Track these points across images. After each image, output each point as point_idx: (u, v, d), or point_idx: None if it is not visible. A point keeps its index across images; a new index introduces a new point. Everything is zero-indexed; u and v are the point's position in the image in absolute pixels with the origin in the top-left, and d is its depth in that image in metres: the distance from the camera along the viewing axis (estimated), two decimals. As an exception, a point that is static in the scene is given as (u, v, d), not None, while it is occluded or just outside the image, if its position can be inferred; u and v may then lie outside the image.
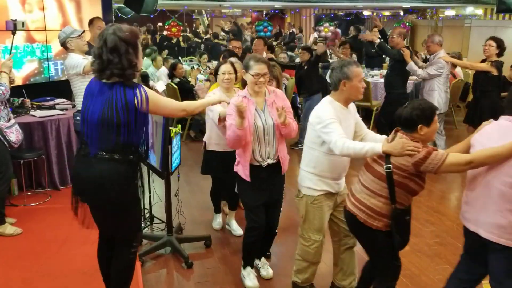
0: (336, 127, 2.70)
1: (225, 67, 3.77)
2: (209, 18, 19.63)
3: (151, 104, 2.46)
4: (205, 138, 3.96)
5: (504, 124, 2.38)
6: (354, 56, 8.29)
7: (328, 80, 6.08)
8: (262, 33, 12.92)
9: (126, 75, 2.41)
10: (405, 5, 13.11)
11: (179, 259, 3.72)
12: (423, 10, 15.45)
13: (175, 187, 3.92)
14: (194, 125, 7.47)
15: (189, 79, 8.12)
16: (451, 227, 4.37)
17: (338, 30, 15.19)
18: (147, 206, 4.26)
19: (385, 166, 2.44)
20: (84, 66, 4.17)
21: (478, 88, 5.81)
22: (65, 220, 3.48)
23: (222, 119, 3.47)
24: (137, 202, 2.65)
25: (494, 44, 5.52)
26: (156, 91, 4.57)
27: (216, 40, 13.57)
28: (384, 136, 2.88)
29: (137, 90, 2.42)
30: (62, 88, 5.64)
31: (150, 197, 4.29)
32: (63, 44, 4.39)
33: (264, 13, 19.55)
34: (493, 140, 2.34)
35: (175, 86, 7.34)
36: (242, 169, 3.16)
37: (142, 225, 4.15)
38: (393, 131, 2.61)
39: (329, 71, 3.82)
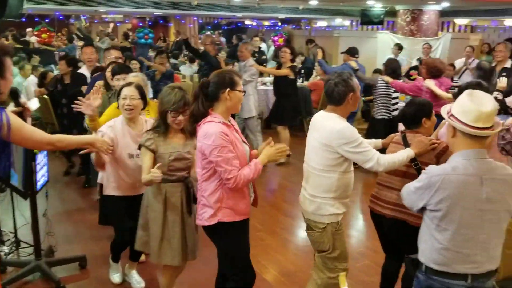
0: (367, 144, 2.63)
1: (128, 91, 3.05)
2: (87, 24, 18.62)
3: (14, 133, 2.11)
4: (99, 179, 3.29)
5: None
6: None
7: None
8: (143, 40, 12.63)
9: None
10: (281, 16, 13.80)
11: (50, 284, 3.45)
12: (298, 21, 16.41)
13: (45, 206, 3.64)
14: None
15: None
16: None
17: (223, 39, 15.47)
18: (11, 229, 3.90)
19: (413, 164, 2.65)
20: None
21: (279, 91, 6.61)
22: None
23: (99, 164, 3.07)
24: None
25: (288, 51, 6.42)
26: (27, 110, 4.03)
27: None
28: (373, 140, 3.01)
29: None
30: None
31: (14, 219, 3.91)
32: None
33: (147, 19, 19.15)
34: None
35: (46, 98, 6.80)
36: (234, 213, 2.57)
37: (6, 250, 3.80)
38: (400, 133, 2.87)
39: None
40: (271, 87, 7.57)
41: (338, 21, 15.28)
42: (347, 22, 15.38)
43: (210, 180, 2.52)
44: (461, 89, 3.12)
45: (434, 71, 5.09)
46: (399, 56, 9.59)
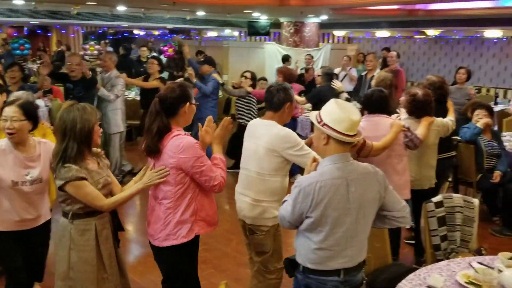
0: (307, 147, 2.74)
1: (9, 111, 2.65)
2: None
3: None
4: None
5: (375, 120, 3.43)
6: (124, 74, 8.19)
7: None
8: (18, 51, 11.66)
9: None
10: (169, 26, 13.68)
11: None
12: (187, 31, 16.40)
13: None
14: None
15: None
16: (217, 233, 4.69)
17: (110, 49, 14.85)
18: None
19: None
20: None
21: (148, 103, 6.56)
22: None
23: None
24: None
25: (155, 62, 6.40)
26: None
27: None
28: None
29: None
30: None
31: None
32: None
33: (25, 29, 17.73)
34: (372, 132, 3.29)
35: None
36: (207, 224, 2.60)
37: None
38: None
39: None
40: None
41: (228, 31, 15.57)
42: (236, 33, 15.74)
43: (184, 195, 2.47)
44: (368, 96, 3.58)
45: (290, 77, 5.72)
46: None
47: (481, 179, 4.82)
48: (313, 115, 2.31)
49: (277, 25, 12.17)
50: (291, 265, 2.32)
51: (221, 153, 2.64)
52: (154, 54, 11.90)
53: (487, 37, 11.24)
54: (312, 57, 10.25)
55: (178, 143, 2.41)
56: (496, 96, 9.33)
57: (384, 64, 8.27)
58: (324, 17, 10.85)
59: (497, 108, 7.90)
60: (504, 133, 5.86)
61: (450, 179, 5.09)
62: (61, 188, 2.39)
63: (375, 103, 3.47)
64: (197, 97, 5.80)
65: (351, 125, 2.18)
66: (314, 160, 2.39)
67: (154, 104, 2.50)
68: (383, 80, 4.34)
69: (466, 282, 2.12)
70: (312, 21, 11.43)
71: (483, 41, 11.59)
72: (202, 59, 6.88)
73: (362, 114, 3.34)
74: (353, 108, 2.25)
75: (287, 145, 2.72)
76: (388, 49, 10.84)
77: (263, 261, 2.91)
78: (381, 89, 3.60)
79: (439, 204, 2.98)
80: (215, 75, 6.28)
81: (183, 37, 16.03)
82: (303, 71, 9.36)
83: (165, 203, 2.49)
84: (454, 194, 3.10)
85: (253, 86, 6.27)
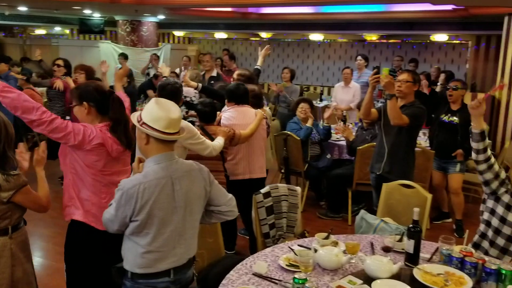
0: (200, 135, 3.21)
1: None
2: None
3: None
4: None
5: (242, 110, 3.92)
6: None
7: None
8: None
9: None
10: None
11: None
12: (10, 28, 14.64)
13: None
14: None
15: None
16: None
17: None
18: None
19: None
20: None
21: None
22: None
23: None
24: None
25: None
26: None
27: None
28: None
29: None
30: None
31: None
32: None
33: None
34: (240, 121, 3.85)
35: None
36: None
37: None
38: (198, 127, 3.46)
39: None
40: None
41: (58, 29, 14.35)
42: (68, 31, 14.60)
43: None
44: (234, 89, 3.96)
45: (92, 74, 5.59)
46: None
47: (307, 168, 5.29)
48: (134, 116, 2.24)
49: (112, 23, 11.64)
50: (119, 273, 2.22)
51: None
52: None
53: (312, 39, 12.43)
54: (158, 57, 10.15)
55: None
56: (321, 94, 10.40)
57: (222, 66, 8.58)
58: (161, 17, 10.72)
59: (322, 104, 8.81)
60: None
61: (282, 170, 5.49)
62: (9, 200, 2.31)
63: (242, 94, 3.94)
64: None
65: (169, 123, 2.16)
66: (140, 160, 2.33)
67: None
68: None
69: (287, 265, 2.28)
70: (149, 20, 11.22)
71: (309, 44, 12.78)
72: None
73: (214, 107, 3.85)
74: (174, 107, 2.24)
75: (188, 135, 3.02)
76: (227, 50, 11.26)
77: None
78: (243, 84, 4.09)
79: (267, 195, 3.17)
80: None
81: (4, 34, 14.30)
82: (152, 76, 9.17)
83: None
84: (279, 184, 3.33)
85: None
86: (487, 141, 2.66)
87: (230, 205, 2.38)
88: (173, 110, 2.21)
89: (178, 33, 14.24)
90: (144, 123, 2.16)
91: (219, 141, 3.42)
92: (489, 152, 2.63)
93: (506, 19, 7.27)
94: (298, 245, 2.53)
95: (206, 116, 3.77)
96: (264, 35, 12.97)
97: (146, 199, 2.10)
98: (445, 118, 4.81)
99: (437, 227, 5.03)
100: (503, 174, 2.64)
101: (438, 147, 4.86)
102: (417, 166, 4.41)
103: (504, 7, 6.89)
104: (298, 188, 3.34)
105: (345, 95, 7.26)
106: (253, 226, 3.21)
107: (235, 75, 4.72)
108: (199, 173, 2.29)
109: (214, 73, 6.70)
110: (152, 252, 2.15)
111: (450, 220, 5.18)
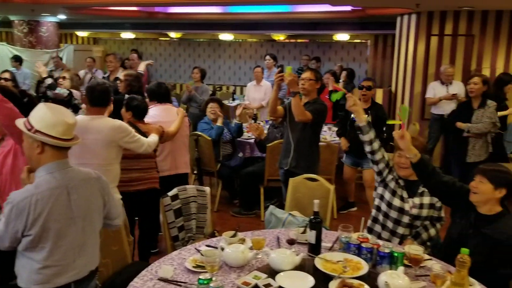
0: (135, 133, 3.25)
1: None
2: None
3: None
4: None
5: (165, 108, 4.09)
6: None
7: None
8: None
9: None
10: None
11: None
12: None
13: None
14: None
15: None
16: None
17: None
18: None
19: None
20: None
21: None
22: None
23: None
24: None
25: None
26: None
27: None
28: None
29: None
30: None
31: None
32: None
33: None
34: (164, 118, 3.95)
35: None
36: None
37: None
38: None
39: None
40: None
41: None
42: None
43: None
44: (155, 88, 4.15)
45: None
46: (22, 69, 8.97)
47: (220, 168, 5.31)
48: (20, 123, 2.09)
49: (6, 23, 10.77)
50: None
51: None
52: None
53: (222, 39, 12.48)
54: (61, 58, 9.57)
55: None
56: (233, 93, 10.49)
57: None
58: (62, 17, 10.11)
59: (234, 103, 8.89)
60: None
61: (195, 172, 5.45)
62: None
63: (164, 93, 4.12)
64: None
65: (67, 129, 2.07)
66: (30, 170, 2.18)
67: None
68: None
69: (193, 267, 2.26)
70: (49, 20, 10.51)
71: (219, 44, 12.81)
72: None
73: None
74: (67, 111, 2.14)
75: (123, 134, 3.08)
76: (136, 51, 10.92)
77: None
78: (164, 82, 4.34)
79: (174, 197, 3.12)
80: None
81: None
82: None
83: None
84: (188, 186, 3.30)
85: None
86: (373, 133, 2.84)
87: (120, 217, 2.40)
88: (67, 114, 2.11)
89: (82, 34, 13.55)
90: (37, 130, 2.02)
91: (153, 138, 3.44)
92: (377, 143, 2.82)
93: (398, 19, 7.87)
94: (206, 245, 2.52)
95: (140, 112, 3.69)
96: (173, 35, 12.78)
97: (39, 211, 1.97)
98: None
99: (344, 216, 5.30)
100: (391, 162, 2.86)
101: (352, 145, 4.92)
102: (323, 160, 4.62)
103: (396, 8, 7.44)
104: (207, 189, 3.33)
105: (257, 93, 7.39)
106: (162, 230, 3.15)
107: (122, 76, 4.68)
108: (97, 181, 2.21)
109: (119, 74, 6.47)
110: (49, 267, 2.03)
111: (355, 208, 5.49)
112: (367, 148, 2.86)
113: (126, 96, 4.09)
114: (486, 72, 6.87)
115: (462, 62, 7.10)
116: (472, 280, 2.10)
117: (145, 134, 3.50)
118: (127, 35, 12.97)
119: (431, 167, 2.59)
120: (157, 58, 13.47)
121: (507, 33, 6.86)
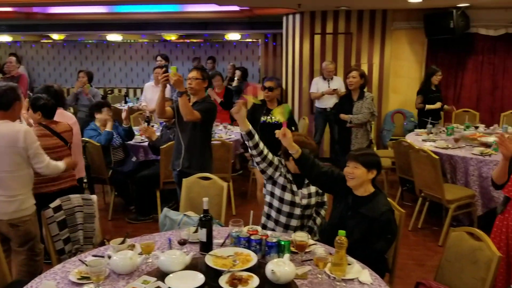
0: None
1: None
2: None
3: None
4: None
5: (58, 112, 3.78)
6: None
7: None
8: None
9: None
10: None
11: None
12: None
13: None
14: None
15: None
16: None
17: None
18: None
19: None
20: None
21: None
22: None
23: None
24: None
25: None
26: None
27: None
28: None
29: None
30: None
31: None
32: None
33: None
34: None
35: None
36: None
37: None
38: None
39: None
40: None
41: None
42: None
43: None
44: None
45: None
46: None
47: (112, 174, 5.09)
48: None
49: None
50: None
51: None
52: None
53: (111, 40, 11.97)
54: None
55: None
56: (126, 95, 10.11)
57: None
58: None
59: (126, 106, 8.57)
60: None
61: (85, 180, 5.16)
62: None
63: (54, 97, 3.82)
64: None
65: None
66: None
67: None
68: None
69: (78, 279, 2.14)
70: None
71: (108, 45, 12.27)
72: None
73: None
74: None
75: (32, 140, 3.02)
76: (14, 54, 10.03)
77: (31, 247, 3.17)
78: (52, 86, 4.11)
79: (57, 209, 2.93)
80: None
81: None
82: None
83: None
84: (72, 195, 3.10)
85: None
86: (257, 137, 2.89)
87: None
88: None
89: None
90: None
91: (59, 165, 3.28)
92: (261, 145, 2.89)
93: (284, 19, 8.19)
94: (93, 256, 2.40)
95: (49, 110, 3.54)
96: (56, 36, 11.98)
97: None
98: (267, 119, 4.60)
99: (241, 212, 5.39)
100: (276, 161, 2.96)
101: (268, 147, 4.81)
102: (218, 158, 4.65)
103: (280, 8, 7.74)
104: (94, 197, 3.18)
105: (155, 94, 7.16)
106: (45, 244, 2.94)
107: None
108: None
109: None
110: None
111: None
112: (252, 152, 2.90)
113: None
114: (364, 66, 7.46)
115: (343, 58, 7.61)
116: (350, 259, 2.27)
117: (60, 135, 3.53)
118: (4, 38, 11.88)
119: (311, 160, 2.74)
120: (39, 62, 12.53)
121: (380, 30, 7.50)
